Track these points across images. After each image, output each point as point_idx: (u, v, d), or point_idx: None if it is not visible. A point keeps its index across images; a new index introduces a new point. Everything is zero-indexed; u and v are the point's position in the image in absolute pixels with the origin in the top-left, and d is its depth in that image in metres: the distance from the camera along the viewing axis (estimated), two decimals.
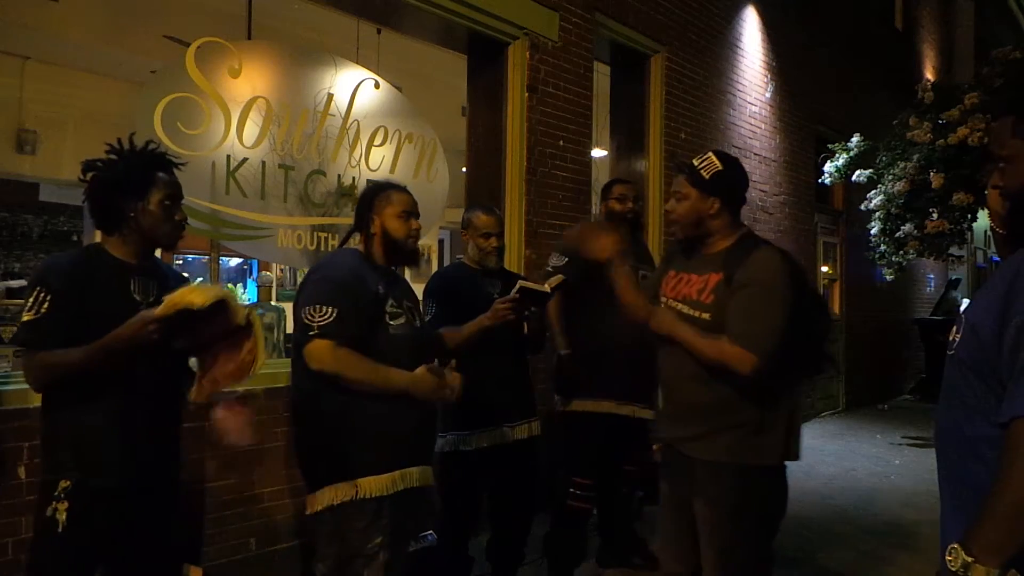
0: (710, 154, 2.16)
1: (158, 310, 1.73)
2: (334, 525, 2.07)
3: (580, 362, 3.20)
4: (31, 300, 1.79)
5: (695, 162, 2.15)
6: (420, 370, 2.06)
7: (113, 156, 1.95)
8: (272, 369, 3.26)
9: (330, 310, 2.01)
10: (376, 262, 2.22)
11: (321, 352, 1.99)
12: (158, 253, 2.07)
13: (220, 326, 1.88)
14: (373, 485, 2.05)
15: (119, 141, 1.97)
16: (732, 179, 2.15)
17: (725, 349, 1.98)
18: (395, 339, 2.12)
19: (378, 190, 2.27)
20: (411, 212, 2.24)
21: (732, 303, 2.01)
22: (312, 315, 2.01)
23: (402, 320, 2.16)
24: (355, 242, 2.31)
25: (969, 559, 1.14)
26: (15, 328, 1.83)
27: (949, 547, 1.17)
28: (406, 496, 2.11)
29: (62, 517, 1.79)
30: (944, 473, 1.38)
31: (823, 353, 2.19)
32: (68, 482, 1.81)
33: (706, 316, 2.05)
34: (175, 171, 2.02)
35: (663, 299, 2.21)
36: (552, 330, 3.17)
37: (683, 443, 2.14)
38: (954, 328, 1.35)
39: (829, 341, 2.30)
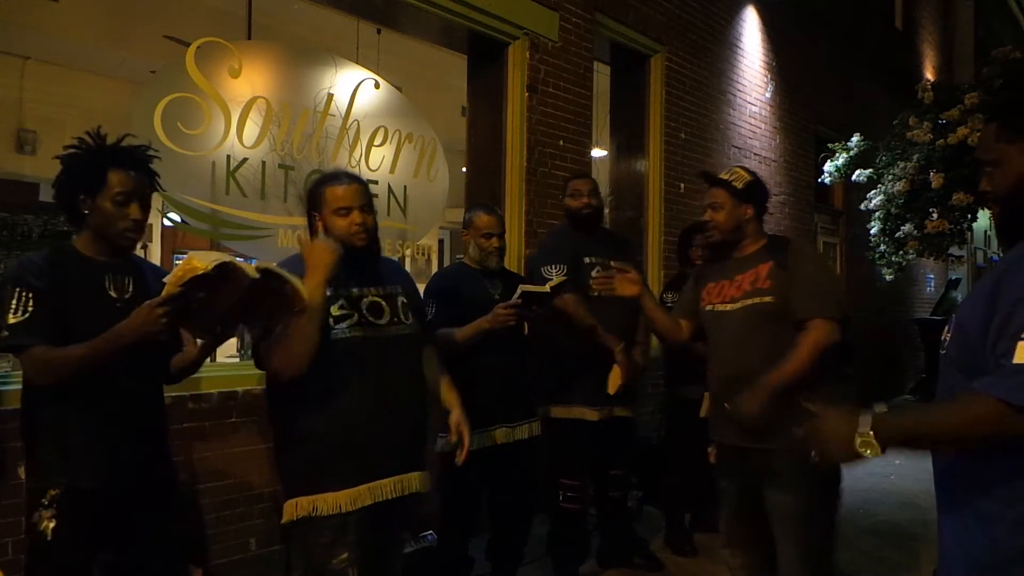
0: (737, 169, 2.48)
1: (163, 292, 1.61)
2: (300, 538, 1.98)
3: (565, 369, 3.20)
4: (14, 302, 1.74)
5: (725, 176, 2.44)
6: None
7: (75, 150, 1.89)
8: (299, 309, 3.24)
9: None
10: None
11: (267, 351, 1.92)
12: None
13: (233, 293, 1.66)
14: (331, 502, 1.93)
15: (88, 133, 1.91)
16: (761, 189, 2.46)
17: (811, 339, 2.17)
18: (338, 344, 1.95)
19: (316, 186, 2.10)
20: (350, 207, 2.02)
21: (795, 283, 2.23)
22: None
23: (350, 323, 1.99)
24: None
25: (869, 435, 1.30)
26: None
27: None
28: (378, 510, 1.98)
29: (49, 525, 1.77)
30: (938, 472, 1.41)
31: (851, 344, 2.39)
32: (56, 491, 1.78)
33: (768, 299, 2.25)
34: (141, 167, 1.92)
35: (708, 308, 2.42)
36: (597, 335, 3.10)
37: (755, 437, 2.21)
38: (946, 328, 1.39)
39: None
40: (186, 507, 2.78)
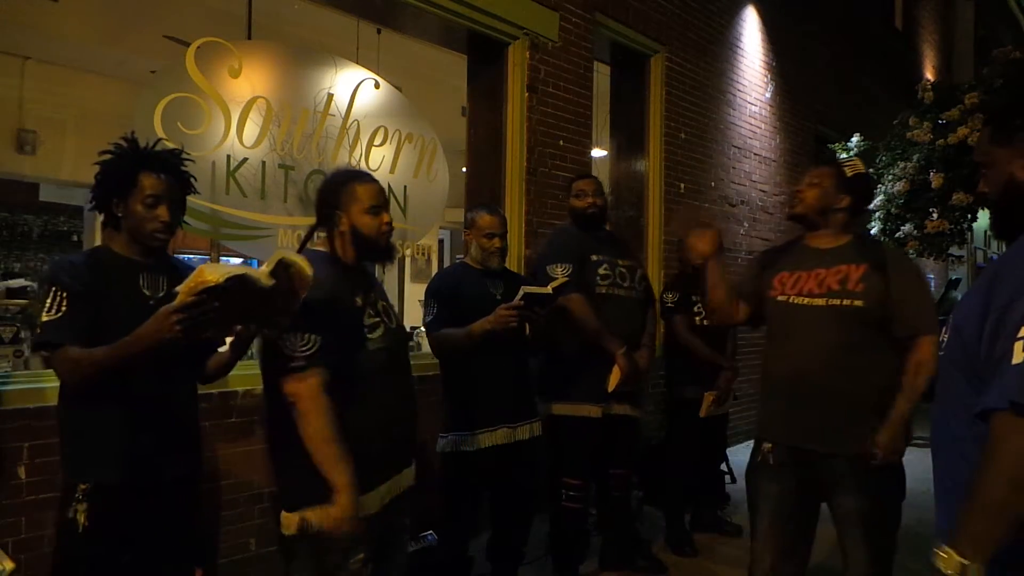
0: (857, 160, 2.42)
1: (175, 301, 1.59)
2: (311, 545, 1.87)
3: (570, 366, 3.20)
4: (48, 300, 1.78)
5: (841, 159, 2.37)
6: (347, 500, 1.79)
7: (109, 154, 1.93)
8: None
9: (313, 339, 1.81)
10: (346, 262, 2.01)
11: (308, 387, 1.80)
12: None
13: (247, 300, 1.63)
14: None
15: (122, 138, 1.96)
16: (867, 186, 2.41)
17: (924, 357, 2.14)
18: (375, 355, 1.94)
19: (341, 183, 2.03)
20: (381, 205, 2.02)
21: (897, 292, 2.17)
22: (294, 343, 1.80)
23: (380, 331, 1.98)
24: (319, 242, 2.08)
25: (965, 561, 1.15)
26: (15, 328, 1.83)
27: (939, 551, 1.18)
28: (390, 506, 2.01)
29: (82, 518, 1.80)
30: (938, 472, 1.41)
31: None
32: (87, 484, 1.81)
33: (859, 303, 2.16)
34: (173, 170, 1.96)
35: (780, 298, 2.30)
36: (600, 336, 3.11)
37: (823, 440, 2.17)
38: (943, 329, 1.40)
39: None
40: (201, 506, 2.78)
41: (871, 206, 6.56)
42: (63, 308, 1.78)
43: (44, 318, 1.77)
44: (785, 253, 2.43)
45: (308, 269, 1.70)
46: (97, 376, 1.77)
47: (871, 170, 6.53)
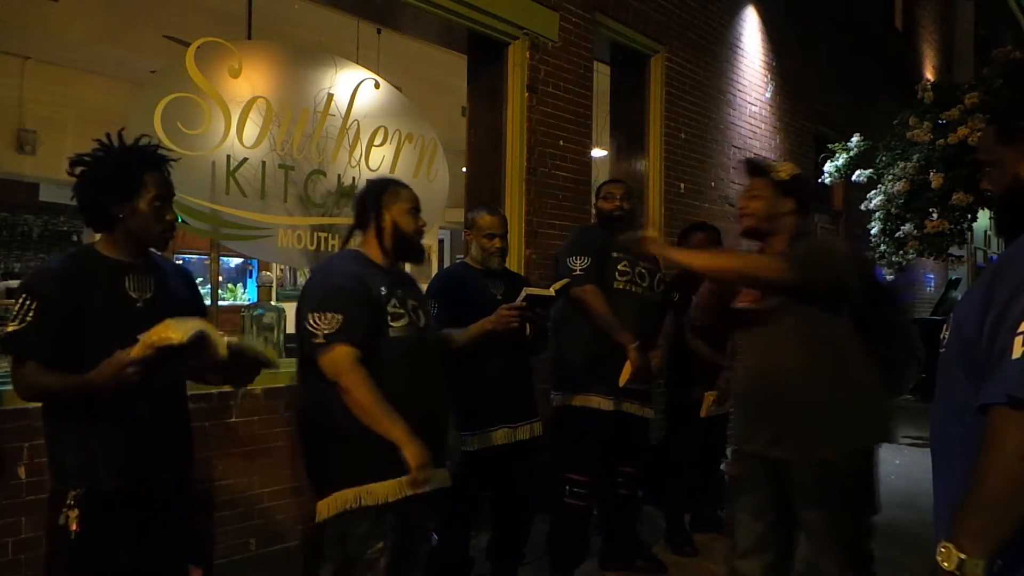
0: (787, 164, 2.43)
1: (135, 350, 1.63)
2: (338, 531, 2.06)
3: (584, 358, 3.21)
4: (16, 309, 1.75)
5: (772, 164, 2.39)
6: (415, 448, 2.01)
7: (101, 153, 1.88)
8: (271, 369, 3.26)
9: (337, 317, 2.00)
10: (378, 262, 2.20)
11: (341, 360, 2.00)
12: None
13: (205, 359, 1.76)
14: (376, 491, 2.03)
15: (108, 136, 1.91)
16: (806, 184, 2.42)
17: (753, 259, 2.17)
18: (396, 342, 2.10)
19: (385, 186, 2.27)
20: (419, 208, 2.28)
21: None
22: (318, 323, 2.00)
23: (404, 321, 2.13)
24: (355, 242, 2.29)
25: (963, 555, 1.14)
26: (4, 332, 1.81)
27: (939, 545, 1.18)
28: (410, 503, 2.08)
29: (74, 524, 1.78)
30: (938, 471, 1.40)
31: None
32: (77, 491, 1.80)
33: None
34: (168, 167, 1.96)
35: (741, 305, 2.33)
36: (612, 329, 3.14)
37: (778, 446, 2.15)
38: (944, 327, 1.39)
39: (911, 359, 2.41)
40: (195, 507, 2.78)
41: (871, 206, 6.58)
42: (28, 318, 1.74)
43: (9, 327, 1.74)
44: None
45: (223, 351, 1.77)
46: (50, 401, 1.78)
47: (871, 170, 6.57)
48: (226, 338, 1.79)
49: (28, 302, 1.75)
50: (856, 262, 2.31)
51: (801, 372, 2.13)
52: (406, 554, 2.14)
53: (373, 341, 2.06)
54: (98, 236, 1.93)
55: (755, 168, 2.38)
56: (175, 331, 1.63)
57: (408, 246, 2.24)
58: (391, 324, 2.10)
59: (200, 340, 1.67)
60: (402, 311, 2.13)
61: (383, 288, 2.11)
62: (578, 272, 3.11)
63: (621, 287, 3.24)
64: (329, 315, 2.00)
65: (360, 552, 2.03)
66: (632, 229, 3.46)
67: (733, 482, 2.39)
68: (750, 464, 2.28)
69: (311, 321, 2.02)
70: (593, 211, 3.48)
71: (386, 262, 2.22)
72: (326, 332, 2.00)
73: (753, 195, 2.31)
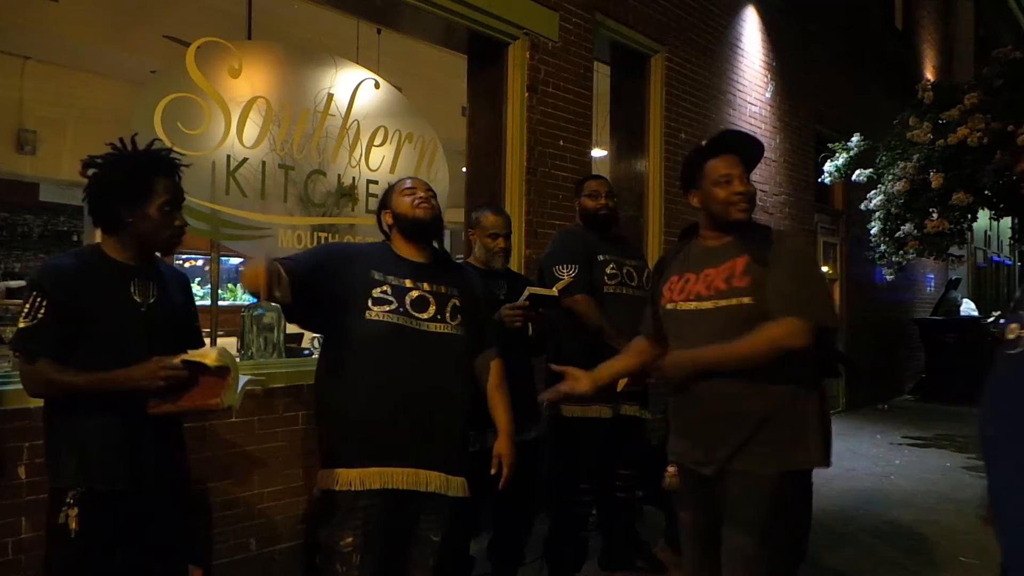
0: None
1: (173, 360, 1.77)
2: (321, 513, 2.11)
3: (573, 366, 3.19)
4: (28, 306, 1.76)
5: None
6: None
7: (114, 157, 1.90)
8: (272, 370, 3.27)
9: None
10: (395, 250, 2.23)
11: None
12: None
13: (215, 386, 1.88)
14: (342, 478, 2.01)
15: (121, 141, 1.93)
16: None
17: (773, 333, 1.83)
18: (369, 326, 2.06)
19: (392, 186, 2.34)
20: (414, 188, 2.29)
21: (771, 280, 1.89)
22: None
23: (388, 307, 2.08)
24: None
25: None
26: (16, 328, 1.82)
27: None
28: (391, 500, 2.03)
29: (73, 523, 1.79)
30: (1009, 479, 1.31)
31: (836, 354, 2.17)
32: (76, 490, 1.81)
33: (747, 300, 1.90)
34: (179, 173, 1.98)
35: (669, 306, 2.08)
36: (608, 336, 3.07)
37: (713, 462, 1.96)
38: (1015, 326, 1.30)
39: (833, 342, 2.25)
40: (193, 507, 2.78)
41: (871, 206, 6.58)
42: (39, 316, 1.75)
43: (20, 323, 1.77)
44: (675, 256, 2.19)
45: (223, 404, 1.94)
46: (64, 398, 1.80)
47: (871, 170, 6.56)
48: (243, 381, 1.96)
49: (39, 300, 1.76)
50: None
51: (736, 377, 1.91)
52: (391, 555, 2.10)
53: (345, 322, 2.06)
54: (99, 235, 1.94)
55: (736, 143, 2.06)
56: (215, 359, 1.78)
57: (407, 225, 2.22)
58: (370, 307, 2.05)
59: (225, 369, 1.81)
60: (390, 299, 2.07)
61: (377, 273, 2.10)
62: (567, 279, 3.06)
63: (612, 290, 3.21)
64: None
65: (333, 543, 2.02)
66: (616, 228, 3.44)
67: (674, 496, 2.15)
68: (687, 479, 2.07)
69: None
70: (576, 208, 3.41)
71: (404, 249, 2.22)
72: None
73: (745, 177, 2.02)
